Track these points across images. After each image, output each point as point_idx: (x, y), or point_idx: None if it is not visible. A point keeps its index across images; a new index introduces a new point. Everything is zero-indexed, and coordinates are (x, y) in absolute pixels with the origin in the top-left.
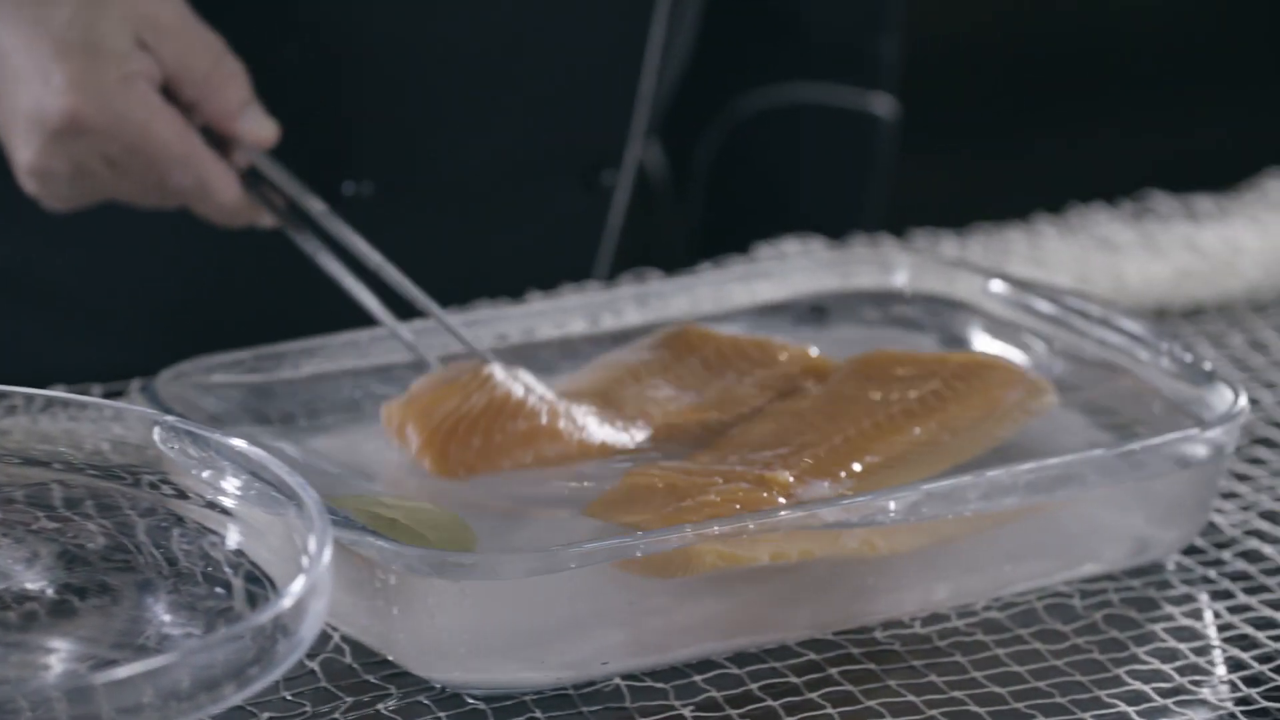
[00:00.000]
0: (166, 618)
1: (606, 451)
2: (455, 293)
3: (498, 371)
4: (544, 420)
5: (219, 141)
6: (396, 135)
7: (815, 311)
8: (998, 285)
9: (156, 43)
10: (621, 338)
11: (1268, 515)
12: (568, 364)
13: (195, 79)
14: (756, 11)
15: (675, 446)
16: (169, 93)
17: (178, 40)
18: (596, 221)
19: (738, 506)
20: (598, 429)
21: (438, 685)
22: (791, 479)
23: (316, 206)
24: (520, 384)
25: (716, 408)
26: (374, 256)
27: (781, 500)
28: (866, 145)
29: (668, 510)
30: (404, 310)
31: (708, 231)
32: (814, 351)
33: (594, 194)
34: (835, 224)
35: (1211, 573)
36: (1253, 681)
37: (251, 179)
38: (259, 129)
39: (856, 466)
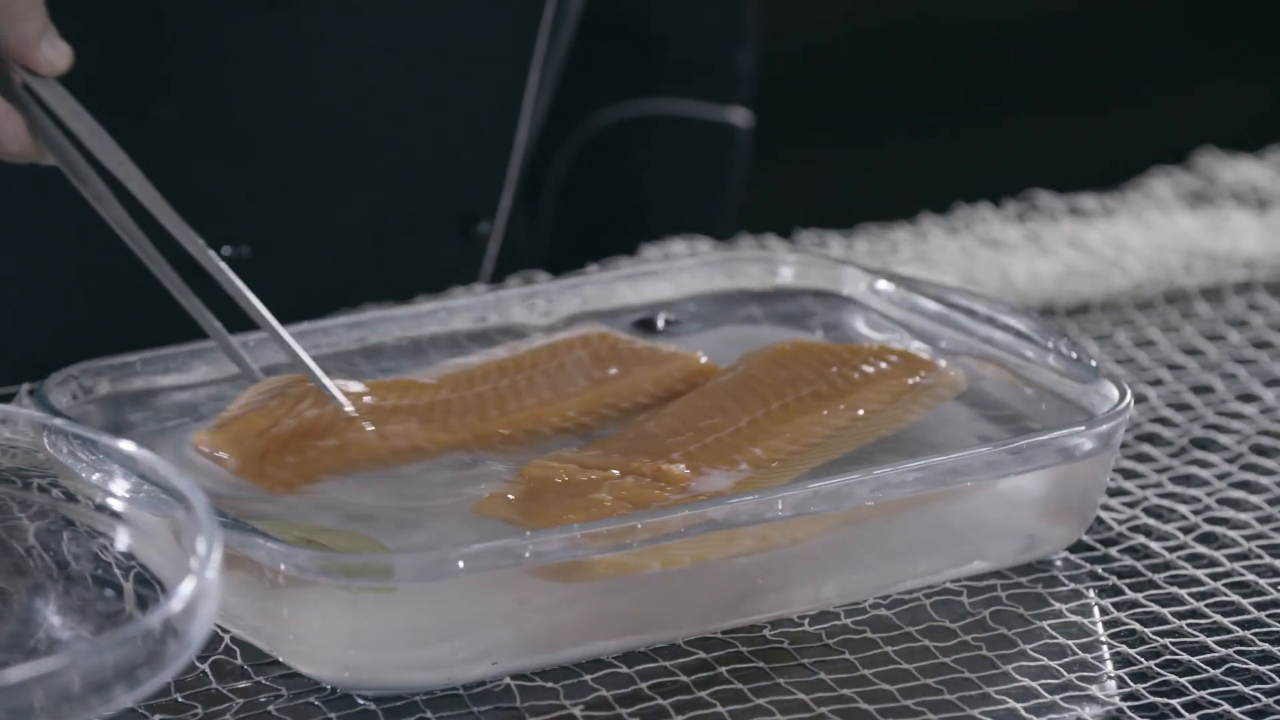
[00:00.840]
0: (56, 620)
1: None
2: None
3: (308, 387)
4: (352, 433)
5: None
6: (272, 195)
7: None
8: (884, 283)
9: None
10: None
11: (1154, 512)
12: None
13: None
14: (614, 28)
15: (566, 438)
16: None
17: None
18: (472, 268)
19: (629, 507)
20: (419, 432)
21: (328, 686)
22: (687, 471)
23: (110, 150)
24: (335, 398)
25: (605, 401)
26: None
27: (673, 497)
28: (721, 156)
29: (557, 510)
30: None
31: (558, 244)
32: (702, 358)
33: (470, 243)
34: (687, 234)
35: (1099, 569)
36: (1140, 677)
37: (36, 112)
38: (56, 56)
39: (758, 451)
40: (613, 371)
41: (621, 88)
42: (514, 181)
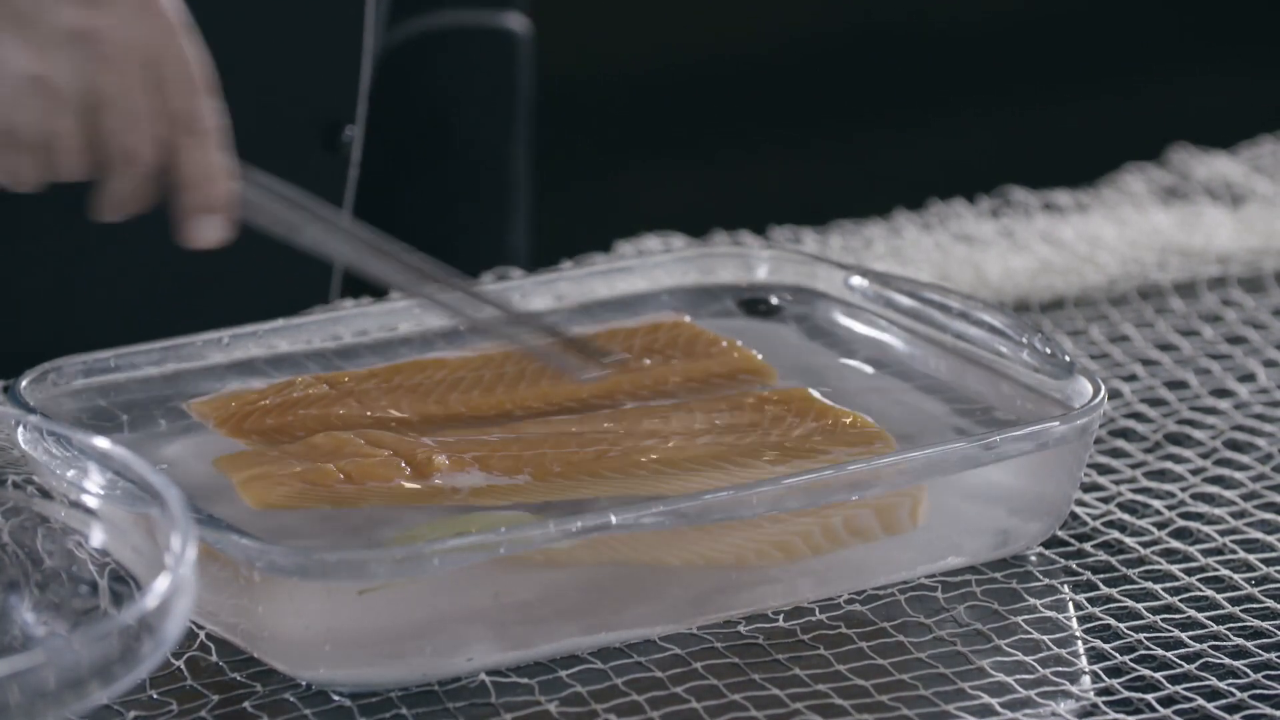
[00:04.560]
0: (31, 617)
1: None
2: None
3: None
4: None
5: None
6: None
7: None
8: (859, 279)
9: None
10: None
11: (1129, 507)
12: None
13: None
14: None
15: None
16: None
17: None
18: (339, 179)
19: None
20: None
21: (303, 683)
22: (445, 463)
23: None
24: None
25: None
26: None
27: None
28: (506, 63)
29: (270, 469)
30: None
31: (367, 165)
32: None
33: (336, 153)
34: (492, 145)
35: (1074, 565)
36: (1114, 672)
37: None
38: (208, 232)
39: (556, 468)
40: (646, 363)
41: (406, 3)
42: (368, 87)
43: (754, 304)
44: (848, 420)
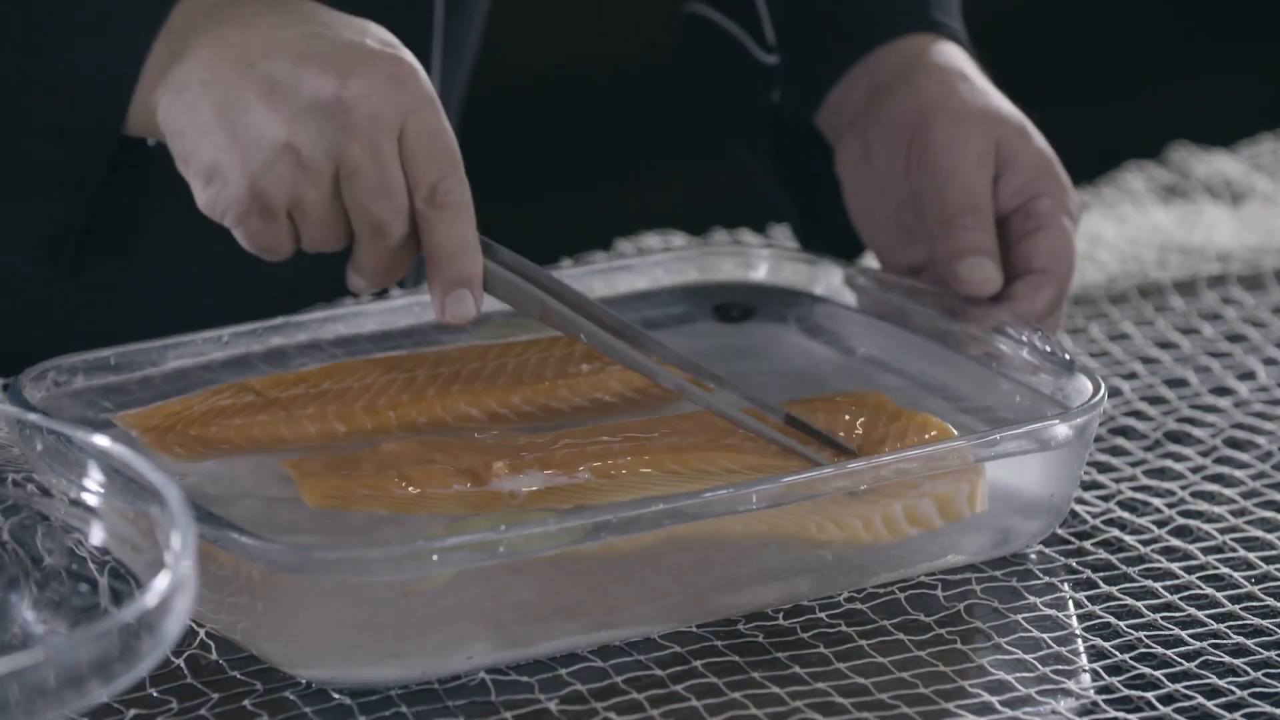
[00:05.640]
0: (31, 615)
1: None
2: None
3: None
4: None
5: None
6: None
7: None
8: (858, 277)
9: None
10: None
11: (1128, 505)
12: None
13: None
14: None
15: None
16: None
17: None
18: None
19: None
20: (334, 415)
21: (303, 681)
22: (504, 467)
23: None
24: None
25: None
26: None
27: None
28: None
29: (334, 480)
30: None
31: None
32: None
33: None
34: None
35: (1073, 562)
36: (1114, 670)
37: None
38: (460, 312)
39: (607, 464)
40: (585, 369)
41: None
42: (440, 62)
43: (726, 309)
44: (920, 422)
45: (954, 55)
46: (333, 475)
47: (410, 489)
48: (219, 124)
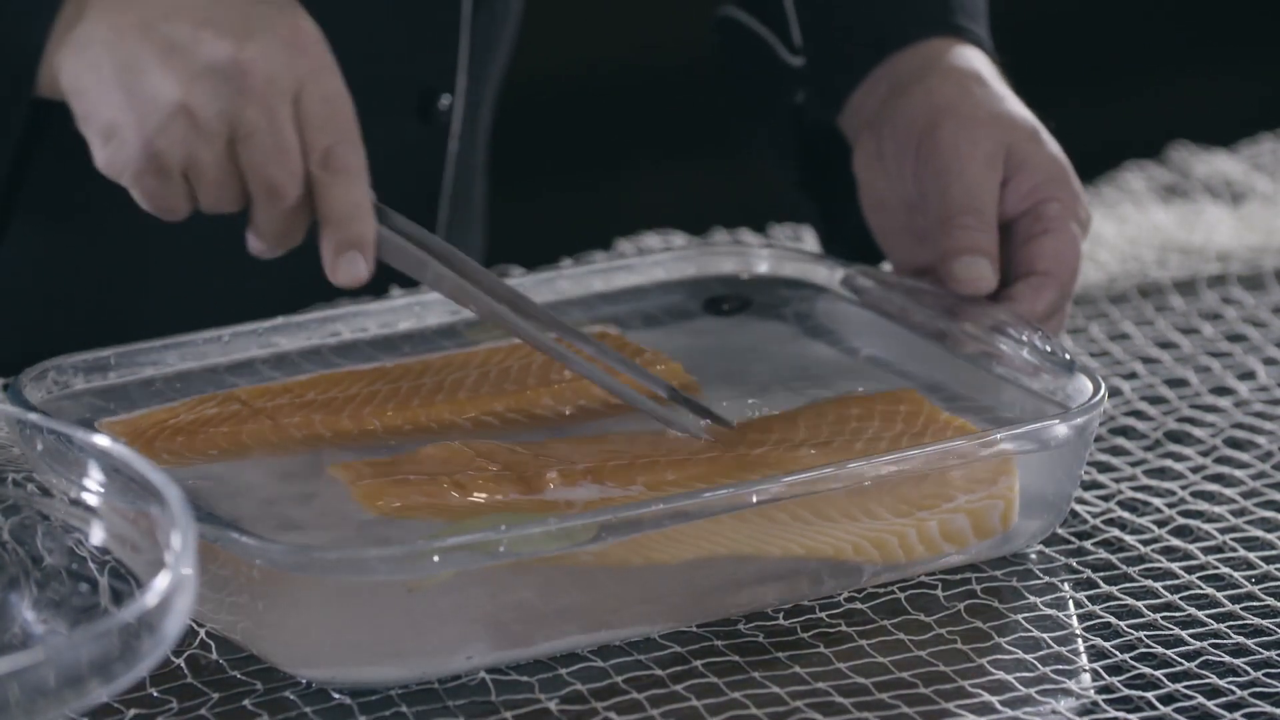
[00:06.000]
0: (31, 615)
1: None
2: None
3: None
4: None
5: None
6: None
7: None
8: (858, 276)
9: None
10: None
11: (1129, 505)
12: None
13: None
14: None
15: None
16: None
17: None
18: (436, 151)
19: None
20: (320, 422)
21: (304, 681)
22: (558, 477)
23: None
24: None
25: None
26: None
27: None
28: None
29: (393, 488)
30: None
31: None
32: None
33: (430, 123)
34: None
35: (1074, 562)
36: (1115, 670)
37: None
38: (350, 274)
39: (670, 476)
40: (568, 375)
41: None
42: (467, 56)
43: (716, 302)
44: (955, 423)
45: (973, 59)
46: (386, 482)
47: (466, 497)
48: (118, 84)
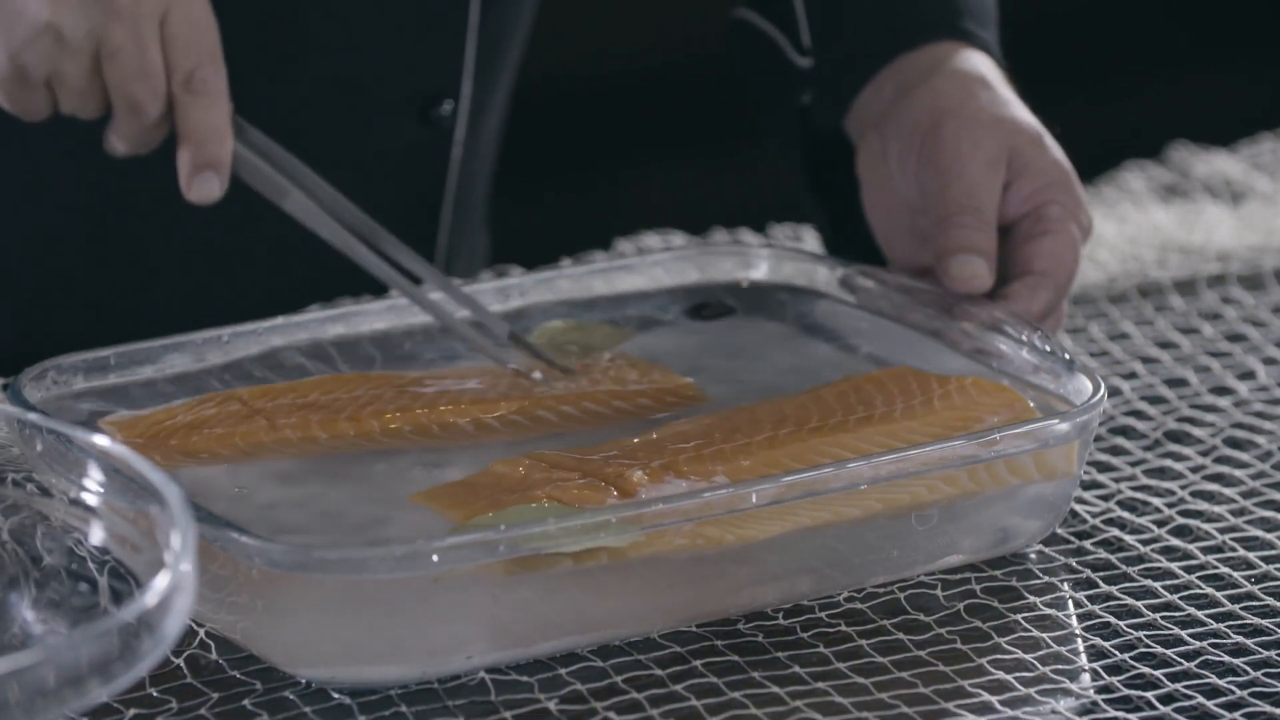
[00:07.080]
0: (31, 615)
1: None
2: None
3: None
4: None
5: None
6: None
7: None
8: (858, 277)
9: None
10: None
11: (1128, 505)
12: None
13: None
14: None
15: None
16: None
17: None
18: (439, 156)
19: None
20: (316, 425)
21: (303, 681)
22: (645, 477)
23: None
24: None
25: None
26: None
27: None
28: None
29: (486, 504)
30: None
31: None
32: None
33: (431, 127)
34: None
35: (1073, 562)
36: (1114, 670)
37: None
38: (203, 192)
39: (745, 463)
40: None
41: None
42: (473, 63)
43: (699, 309)
44: (969, 383)
45: (978, 63)
46: (479, 503)
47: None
48: None
